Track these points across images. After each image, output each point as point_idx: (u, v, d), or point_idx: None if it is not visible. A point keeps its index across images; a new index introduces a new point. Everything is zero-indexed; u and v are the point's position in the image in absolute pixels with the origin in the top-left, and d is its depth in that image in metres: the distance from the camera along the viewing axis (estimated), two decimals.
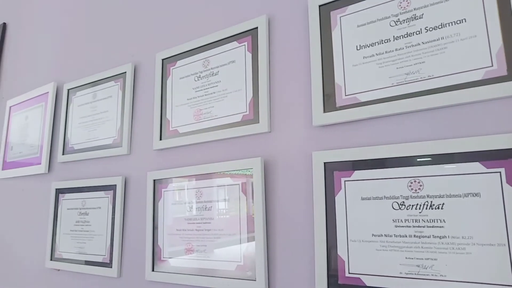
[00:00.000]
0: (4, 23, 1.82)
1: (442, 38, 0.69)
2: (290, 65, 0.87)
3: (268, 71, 0.89)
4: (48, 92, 1.42)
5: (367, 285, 0.69)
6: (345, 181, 0.74)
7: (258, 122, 0.88)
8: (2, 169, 1.56)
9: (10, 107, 1.61)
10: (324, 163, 0.76)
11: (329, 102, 0.79)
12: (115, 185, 1.12)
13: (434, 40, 0.69)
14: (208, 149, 0.97)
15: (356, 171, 0.73)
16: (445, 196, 0.64)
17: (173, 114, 1.04)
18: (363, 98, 0.75)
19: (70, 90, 1.34)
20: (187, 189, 0.96)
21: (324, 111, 0.79)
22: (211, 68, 1.00)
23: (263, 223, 0.82)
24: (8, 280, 1.40)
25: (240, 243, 0.85)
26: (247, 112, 0.91)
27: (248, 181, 0.86)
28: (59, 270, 1.24)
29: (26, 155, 1.46)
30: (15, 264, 1.39)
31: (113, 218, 1.11)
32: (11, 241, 1.44)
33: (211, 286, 0.86)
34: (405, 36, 0.73)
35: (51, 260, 1.25)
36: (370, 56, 0.76)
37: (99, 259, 1.12)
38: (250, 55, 0.93)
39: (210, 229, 0.90)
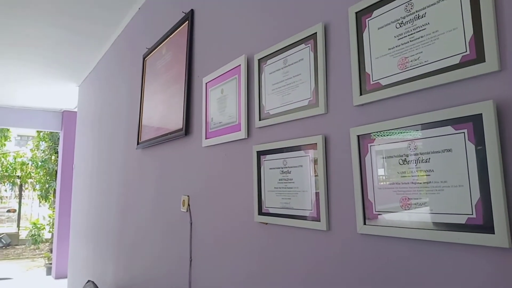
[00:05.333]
0: (192, 10, 2.04)
1: None
2: None
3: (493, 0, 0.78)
4: (240, 65, 1.55)
5: None
6: None
7: (484, 61, 0.78)
8: (206, 138, 1.78)
9: (206, 83, 1.82)
10: None
11: None
12: (315, 143, 1.17)
13: None
14: (417, 98, 0.91)
15: None
16: None
17: (373, 67, 1.01)
18: None
19: (260, 60, 1.44)
20: (398, 141, 0.93)
21: None
22: (416, 11, 0.92)
23: (500, 172, 0.73)
24: (222, 232, 1.63)
25: (470, 196, 0.78)
26: (468, 52, 0.81)
27: (475, 128, 0.78)
28: (266, 224, 1.37)
29: (225, 124, 1.63)
30: (227, 220, 1.60)
31: (315, 175, 1.16)
32: (220, 200, 1.65)
33: (437, 239, 0.83)
34: None
35: (258, 215, 1.39)
36: None
37: (306, 213, 1.19)
38: None
39: (430, 182, 0.86)
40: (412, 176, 0.90)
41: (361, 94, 1.04)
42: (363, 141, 1.02)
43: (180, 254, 1.94)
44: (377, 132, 0.98)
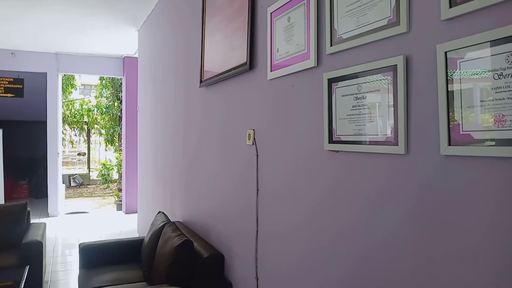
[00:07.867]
0: None
1: None
2: None
3: None
4: None
5: None
6: None
7: None
8: (271, 71, 1.77)
9: (271, 13, 1.77)
10: None
11: None
12: (395, 65, 1.11)
13: None
14: None
15: None
16: None
17: None
18: None
19: None
20: (494, 54, 0.86)
21: None
22: None
23: None
24: (289, 162, 1.65)
25: None
26: None
27: None
28: (337, 151, 1.36)
29: (293, 53, 1.60)
30: (294, 150, 1.61)
31: (394, 98, 1.12)
32: (287, 131, 1.66)
33: None
34: None
35: (329, 143, 1.38)
36: None
37: (382, 138, 1.16)
38: None
39: None
40: (509, 91, 0.83)
41: (450, 7, 0.95)
42: (451, 57, 0.95)
43: (247, 185, 2.01)
44: (468, 46, 0.91)
